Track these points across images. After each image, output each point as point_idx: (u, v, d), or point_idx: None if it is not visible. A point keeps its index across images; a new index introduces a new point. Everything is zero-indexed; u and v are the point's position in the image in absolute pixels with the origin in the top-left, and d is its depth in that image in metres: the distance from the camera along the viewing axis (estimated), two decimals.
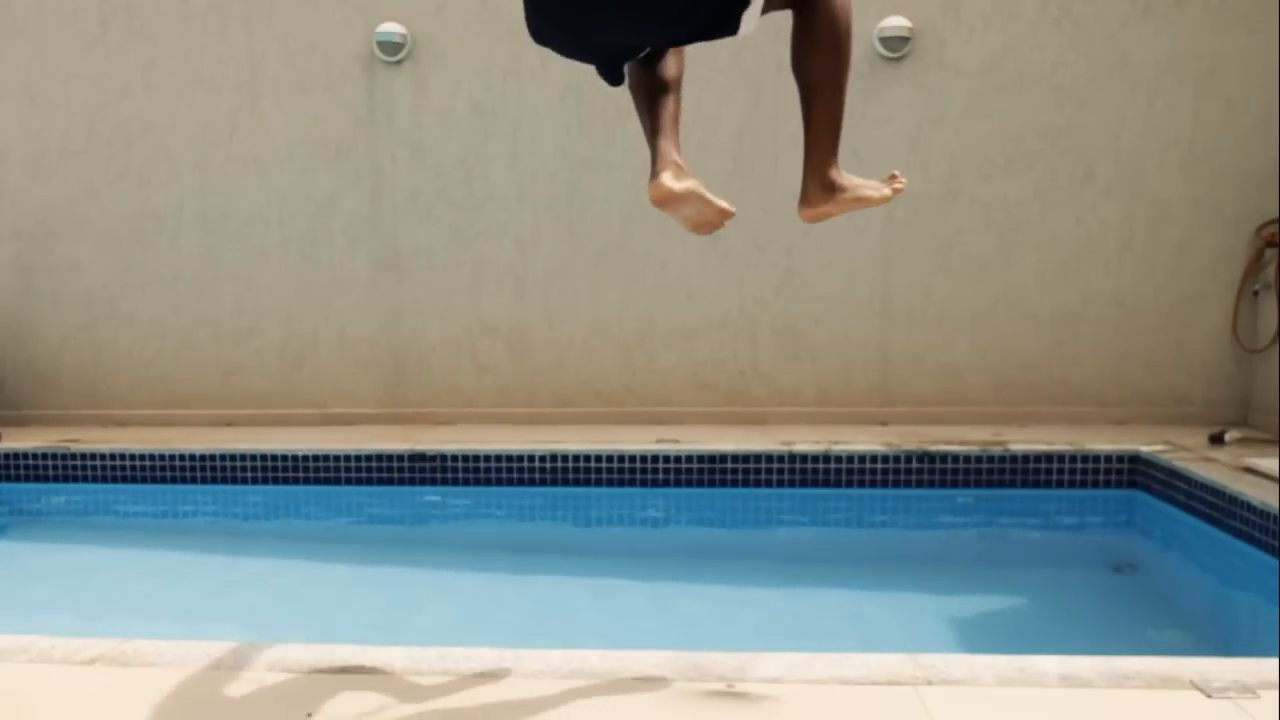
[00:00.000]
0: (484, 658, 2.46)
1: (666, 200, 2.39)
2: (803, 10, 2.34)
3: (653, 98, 2.58)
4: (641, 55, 2.52)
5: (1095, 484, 4.84)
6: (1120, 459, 4.83)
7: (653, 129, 2.53)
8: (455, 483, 5.12)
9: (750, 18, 2.21)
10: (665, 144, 2.46)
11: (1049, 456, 4.83)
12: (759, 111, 5.69)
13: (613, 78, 2.56)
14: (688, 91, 6.06)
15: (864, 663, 2.41)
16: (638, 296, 5.90)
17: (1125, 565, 4.28)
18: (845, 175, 2.40)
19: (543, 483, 5.07)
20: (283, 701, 2.26)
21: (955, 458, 4.84)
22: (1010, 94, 5.56)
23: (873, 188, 2.43)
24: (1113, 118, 5.52)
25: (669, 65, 2.55)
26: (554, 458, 5.05)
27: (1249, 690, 2.21)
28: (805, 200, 2.45)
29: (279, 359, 6.14)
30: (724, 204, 2.44)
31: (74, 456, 5.37)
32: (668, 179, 2.35)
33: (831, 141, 2.42)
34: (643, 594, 3.92)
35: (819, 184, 2.44)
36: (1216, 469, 4.39)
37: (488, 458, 5.10)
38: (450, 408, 6.05)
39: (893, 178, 2.44)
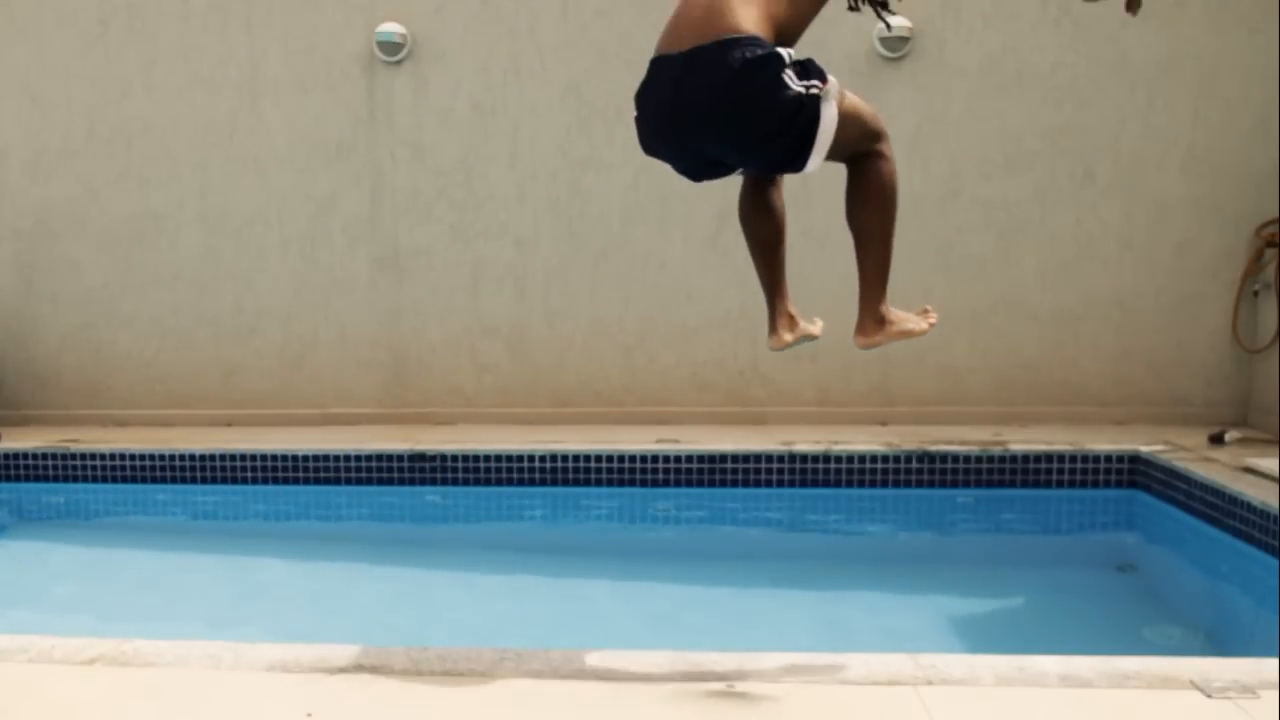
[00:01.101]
0: (484, 658, 2.46)
1: (785, 348, 2.95)
2: (854, 169, 2.76)
3: (761, 247, 3.01)
4: (750, 190, 2.97)
5: (1095, 484, 4.84)
6: (1120, 459, 4.83)
7: (765, 283, 3.01)
8: (455, 483, 5.12)
9: (814, 161, 2.57)
10: (777, 300, 2.98)
11: (1049, 456, 4.83)
12: None
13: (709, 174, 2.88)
14: None
15: (864, 663, 2.41)
16: (638, 296, 5.90)
17: (1127, 565, 4.28)
18: (893, 311, 2.81)
19: (543, 483, 5.06)
20: (283, 701, 2.26)
21: (955, 458, 4.84)
22: (1010, 94, 5.56)
23: (914, 321, 2.84)
24: (1113, 118, 5.52)
25: (775, 214, 2.98)
26: (554, 458, 5.05)
27: (1249, 690, 2.21)
28: (860, 330, 2.82)
29: (279, 359, 6.13)
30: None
31: (74, 456, 5.37)
32: (784, 334, 2.92)
33: (881, 282, 2.79)
34: (643, 594, 3.93)
35: (871, 318, 2.81)
36: (1216, 469, 4.38)
37: (488, 458, 5.10)
38: (450, 408, 6.05)
39: (926, 312, 2.86)
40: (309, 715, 2.17)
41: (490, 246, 5.95)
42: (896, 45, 5.52)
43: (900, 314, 2.81)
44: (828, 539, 4.78)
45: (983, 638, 3.35)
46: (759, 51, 2.43)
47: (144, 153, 6.06)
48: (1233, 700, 2.17)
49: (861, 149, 2.73)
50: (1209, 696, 2.20)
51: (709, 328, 5.86)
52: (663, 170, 6.26)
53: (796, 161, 2.58)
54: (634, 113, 2.69)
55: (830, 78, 2.57)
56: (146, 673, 2.43)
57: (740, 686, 2.29)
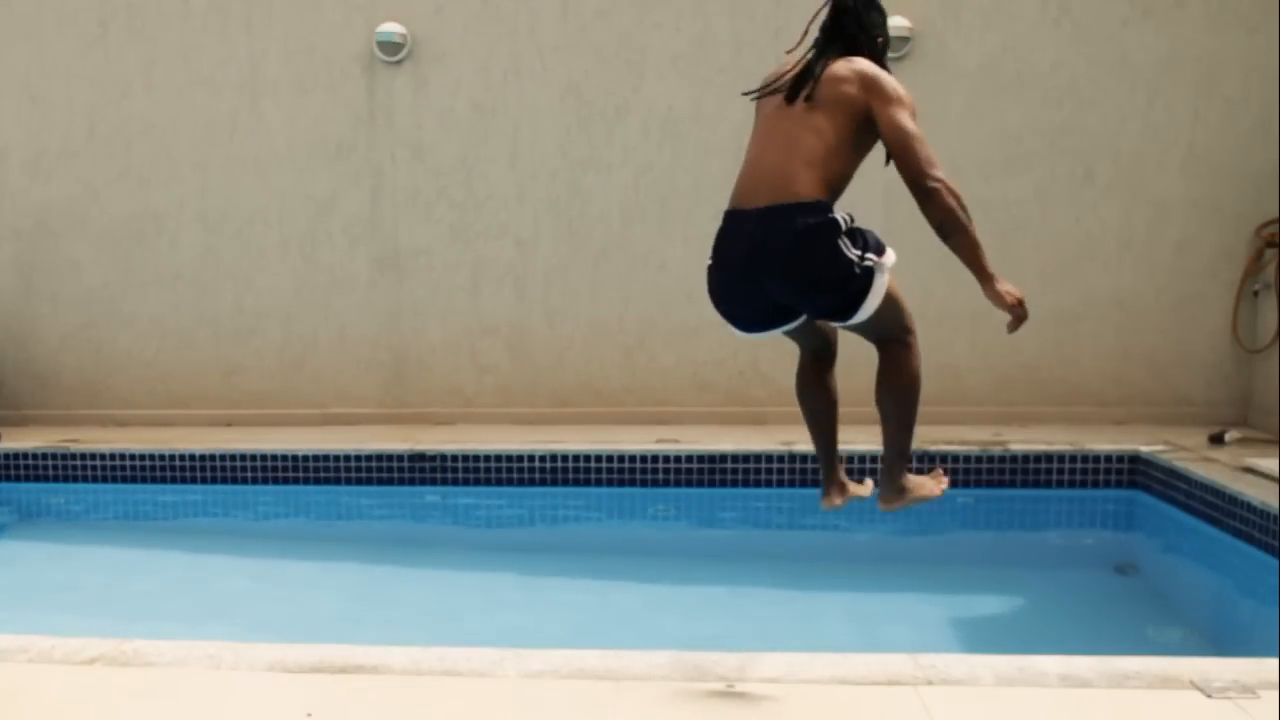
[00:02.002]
0: (484, 658, 2.46)
1: (834, 509, 3.29)
2: (883, 355, 3.14)
3: (816, 422, 3.33)
4: (807, 368, 3.32)
5: (1095, 484, 4.84)
6: (1120, 459, 4.83)
7: (819, 452, 3.31)
8: (455, 483, 5.12)
9: (861, 315, 2.90)
10: (830, 467, 3.28)
11: (1049, 456, 4.83)
12: None
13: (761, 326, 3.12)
14: (689, 91, 6.09)
15: (864, 663, 2.41)
16: (638, 296, 5.89)
17: (1127, 565, 4.28)
18: (910, 479, 3.19)
19: (543, 483, 5.06)
20: (283, 701, 2.26)
21: (955, 458, 4.84)
22: (1010, 94, 5.56)
23: (929, 486, 3.24)
24: (1113, 118, 5.52)
25: (829, 393, 3.33)
26: (554, 458, 5.05)
27: (1249, 690, 2.21)
28: (882, 498, 3.17)
29: (279, 359, 6.13)
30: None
31: (74, 456, 5.37)
32: (835, 498, 3.24)
33: (902, 459, 3.16)
34: (643, 594, 3.92)
35: (892, 487, 3.17)
36: (1216, 469, 4.38)
37: (488, 458, 5.10)
38: (450, 408, 6.05)
39: (939, 476, 3.28)
40: (309, 715, 2.17)
41: (490, 246, 5.95)
42: (896, 45, 5.51)
43: (916, 480, 3.20)
44: (828, 539, 4.78)
45: (983, 638, 3.35)
46: (819, 219, 2.78)
47: (144, 153, 6.06)
48: (1233, 700, 2.17)
49: (893, 335, 3.07)
50: (1209, 696, 2.20)
51: (709, 328, 5.82)
52: (663, 170, 6.30)
53: (847, 315, 2.92)
54: (708, 260, 3.02)
55: (889, 251, 2.93)
56: (146, 673, 2.43)
57: (740, 686, 2.29)
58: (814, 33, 3.09)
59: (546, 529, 5.03)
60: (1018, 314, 2.80)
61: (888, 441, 3.19)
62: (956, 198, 2.76)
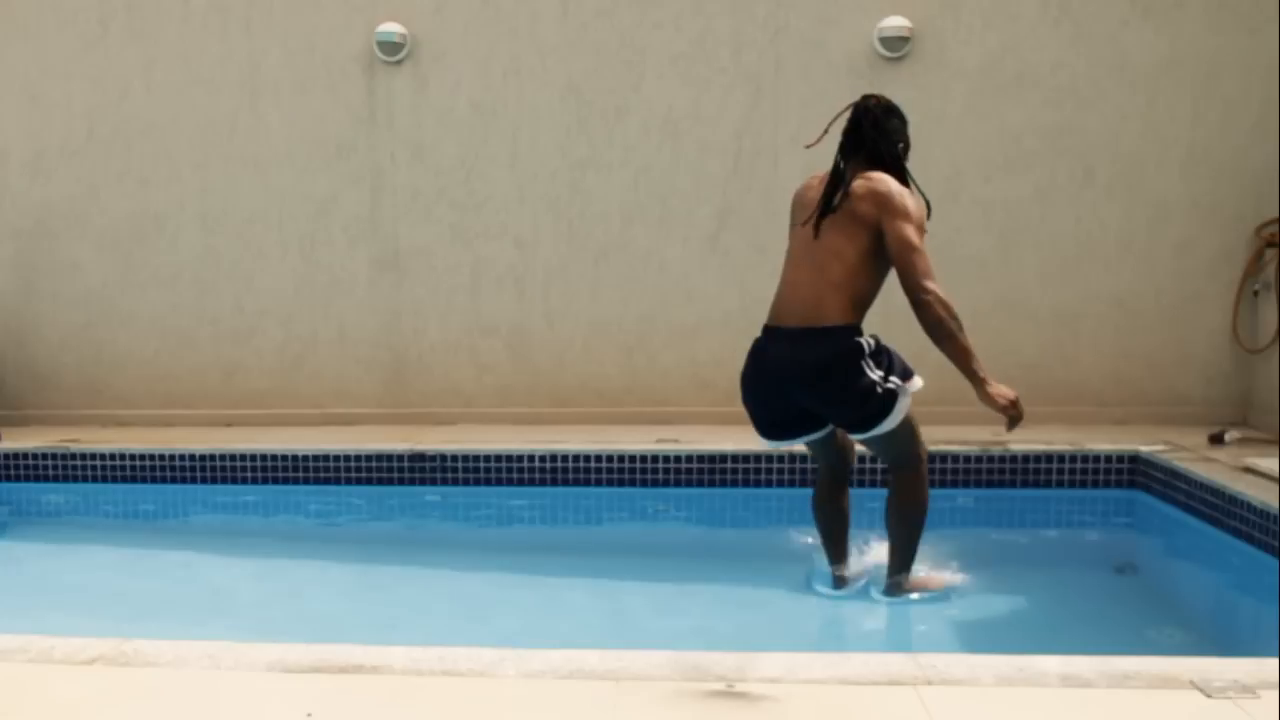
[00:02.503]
0: (484, 658, 2.46)
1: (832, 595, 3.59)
2: (894, 478, 3.42)
3: (826, 534, 3.63)
4: (825, 487, 3.61)
5: (1095, 484, 4.84)
6: (1120, 459, 4.83)
7: (826, 552, 3.67)
8: (455, 483, 5.12)
9: (879, 430, 3.21)
10: (834, 564, 3.63)
11: (1049, 456, 4.83)
12: (759, 111, 5.69)
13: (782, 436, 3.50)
14: (689, 91, 6.10)
15: (864, 662, 2.41)
16: (638, 296, 5.90)
17: (1127, 566, 4.28)
18: (912, 579, 3.47)
19: (543, 483, 5.07)
20: (283, 701, 2.26)
21: (955, 458, 4.84)
22: (1010, 94, 5.56)
23: (933, 580, 3.54)
24: (1113, 118, 5.52)
25: (842, 513, 3.61)
26: (554, 458, 5.05)
27: (1249, 690, 2.21)
28: (887, 590, 3.48)
29: (279, 359, 6.14)
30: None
31: (74, 456, 5.37)
32: (835, 587, 3.60)
33: (905, 566, 3.45)
34: (643, 594, 3.92)
35: (895, 585, 3.46)
36: (1216, 469, 4.39)
37: (488, 458, 5.10)
38: (450, 408, 6.05)
39: (941, 584, 3.53)
40: (309, 715, 2.17)
41: (490, 246, 5.95)
42: (896, 45, 5.52)
43: (920, 578, 3.50)
44: None
45: (983, 638, 3.35)
46: (845, 344, 3.12)
47: (144, 153, 6.06)
48: (1233, 700, 2.17)
49: (906, 460, 3.34)
50: (1209, 696, 2.19)
51: (709, 328, 5.86)
52: (663, 170, 6.31)
53: (864, 429, 3.22)
54: (743, 368, 3.46)
55: (916, 378, 3.26)
56: (146, 673, 2.43)
57: (740, 686, 2.29)
58: (834, 132, 3.35)
59: (546, 529, 5.02)
60: (1011, 414, 3.08)
61: (894, 555, 3.44)
62: (947, 308, 3.00)
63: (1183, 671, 2.32)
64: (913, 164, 5.27)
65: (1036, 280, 5.67)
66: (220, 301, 6.13)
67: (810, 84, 5.64)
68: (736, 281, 5.80)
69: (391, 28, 5.74)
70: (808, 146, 3.45)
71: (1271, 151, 5.37)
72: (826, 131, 3.31)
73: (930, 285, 2.98)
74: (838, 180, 3.17)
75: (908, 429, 3.25)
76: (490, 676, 2.37)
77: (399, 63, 5.85)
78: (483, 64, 5.84)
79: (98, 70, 6.03)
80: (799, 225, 3.28)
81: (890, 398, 3.14)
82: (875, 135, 3.20)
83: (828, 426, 3.39)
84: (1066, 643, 2.74)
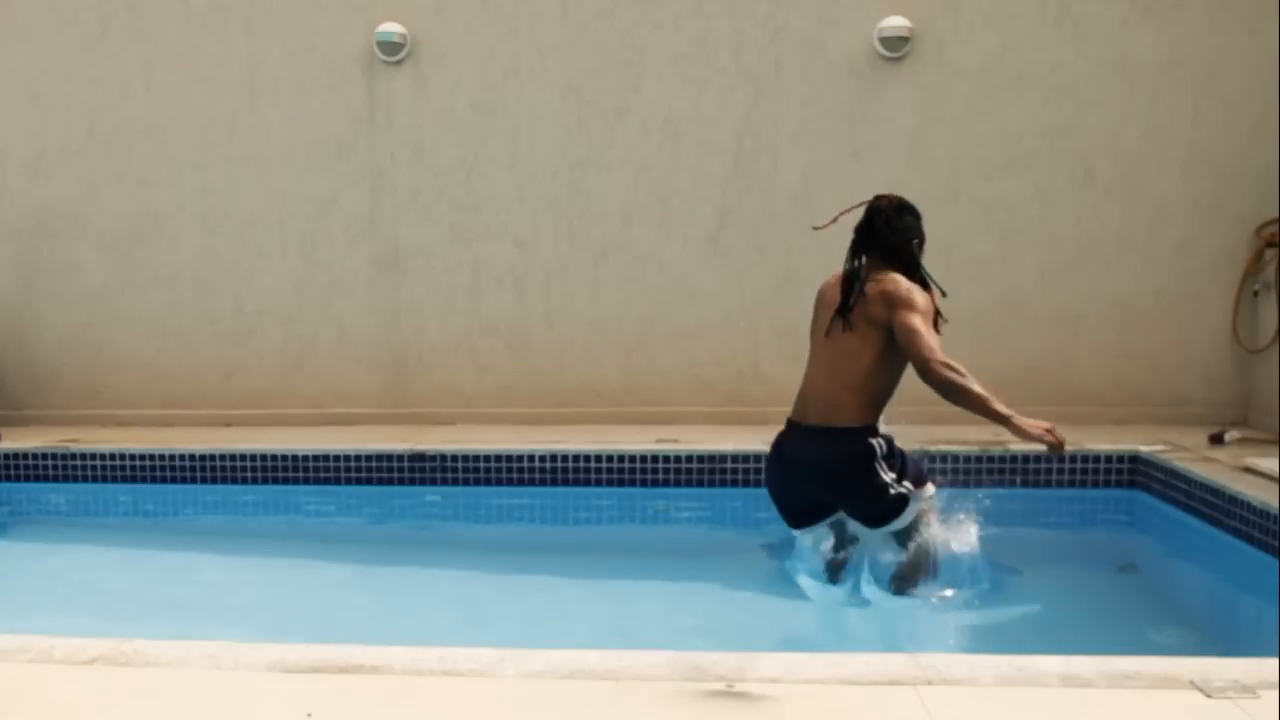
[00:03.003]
0: (484, 658, 2.46)
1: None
2: (905, 561, 3.51)
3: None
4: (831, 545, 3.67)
5: (1095, 484, 4.84)
6: (1120, 459, 4.83)
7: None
8: (455, 483, 5.12)
9: (890, 529, 3.39)
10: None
11: (1049, 456, 4.82)
12: (759, 111, 5.69)
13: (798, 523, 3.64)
14: (689, 91, 6.09)
15: (864, 662, 2.41)
16: (638, 297, 5.89)
17: (1128, 565, 4.28)
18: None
19: (543, 483, 5.07)
20: (283, 701, 2.26)
21: (955, 458, 4.84)
22: (1010, 94, 5.56)
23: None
24: (1113, 118, 5.52)
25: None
26: (554, 458, 5.05)
27: (1249, 690, 2.21)
28: (890, 585, 3.55)
29: (279, 359, 6.13)
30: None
31: (74, 456, 5.37)
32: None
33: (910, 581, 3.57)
34: (643, 594, 3.92)
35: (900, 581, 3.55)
36: (1216, 469, 4.39)
37: (488, 458, 5.10)
38: (450, 408, 6.05)
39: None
40: (309, 715, 2.17)
41: (490, 246, 5.95)
42: (896, 45, 5.52)
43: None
44: None
45: (983, 638, 3.35)
46: (857, 446, 3.31)
47: (144, 153, 6.06)
48: (1233, 700, 2.17)
49: (915, 560, 3.45)
50: (1209, 696, 2.20)
51: (709, 328, 5.86)
52: (663, 170, 6.30)
53: (878, 525, 3.40)
54: (768, 457, 3.58)
55: (929, 485, 3.46)
56: (146, 673, 2.43)
57: (740, 686, 2.29)
58: (844, 220, 3.51)
59: (546, 529, 5.02)
60: (1049, 442, 3.14)
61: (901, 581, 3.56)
62: (950, 368, 3.13)
63: (1183, 671, 2.32)
64: (913, 163, 5.29)
65: (1036, 280, 5.67)
66: (220, 302, 6.13)
67: (810, 84, 5.64)
68: (736, 281, 5.81)
69: (391, 28, 5.74)
70: (816, 229, 3.61)
71: (1272, 151, 5.37)
72: (836, 220, 3.50)
73: (931, 356, 3.12)
74: (852, 282, 3.34)
75: (920, 532, 3.43)
76: (490, 676, 2.37)
77: (399, 63, 5.85)
78: (483, 64, 5.84)
79: (98, 70, 6.03)
80: (819, 325, 3.49)
81: (901, 501, 3.33)
82: (888, 233, 3.37)
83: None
84: (1067, 643, 2.73)
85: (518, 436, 5.39)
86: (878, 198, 3.46)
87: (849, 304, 3.31)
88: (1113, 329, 5.65)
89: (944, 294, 3.45)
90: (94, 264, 6.17)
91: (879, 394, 3.37)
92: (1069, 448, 4.83)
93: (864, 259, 3.36)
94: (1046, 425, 3.13)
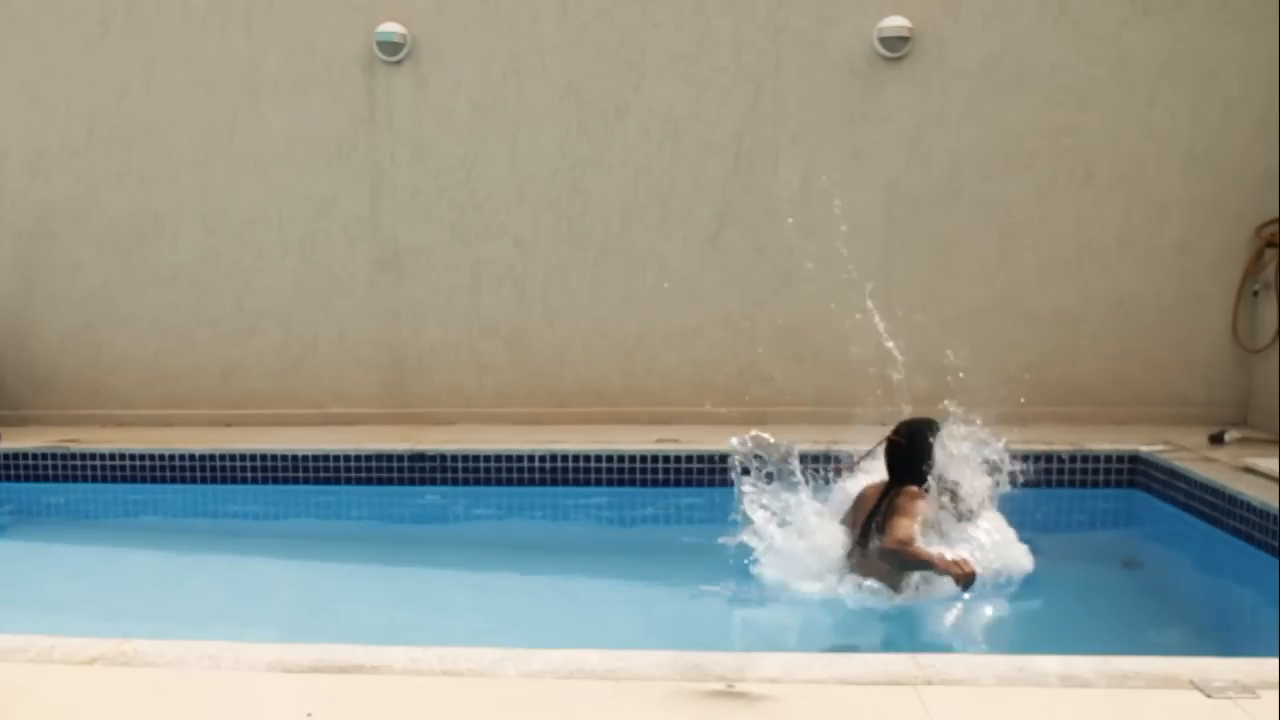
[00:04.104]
0: (484, 657, 2.45)
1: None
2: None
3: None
4: None
5: (1095, 484, 4.84)
6: (1120, 459, 4.83)
7: None
8: (455, 483, 5.12)
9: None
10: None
11: (1049, 456, 4.82)
12: (759, 111, 5.68)
13: None
14: (689, 91, 6.08)
15: (864, 663, 2.41)
16: (638, 296, 5.89)
17: (1133, 561, 4.29)
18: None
19: (543, 483, 5.07)
20: (283, 701, 2.26)
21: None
22: (1010, 94, 5.56)
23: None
24: (1113, 118, 5.52)
25: None
26: (554, 458, 5.05)
27: (1249, 690, 2.21)
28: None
29: (279, 359, 6.13)
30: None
31: (74, 456, 5.37)
32: None
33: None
34: (643, 594, 3.92)
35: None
36: (1216, 469, 4.39)
37: (488, 458, 5.10)
38: (450, 408, 6.05)
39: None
40: (309, 715, 2.17)
41: (490, 246, 5.95)
42: (896, 45, 5.52)
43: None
44: None
45: (983, 637, 3.35)
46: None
47: (144, 153, 6.06)
48: (1232, 700, 2.17)
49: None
50: (1209, 696, 2.19)
51: (709, 328, 5.86)
52: (663, 170, 6.30)
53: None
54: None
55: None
56: (146, 673, 2.43)
57: (740, 686, 2.28)
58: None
59: (547, 529, 5.02)
60: (957, 575, 3.39)
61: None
62: (899, 545, 3.46)
63: (1183, 671, 2.32)
64: (913, 163, 5.33)
65: (1036, 280, 5.67)
66: (220, 302, 6.13)
67: (810, 84, 5.64)
68: (736, 281, 5.81)
69: (391, 28, 5.74)
70: (837, 472, 4.11)
71: (1272, 151, 5.37)
72: (859, 463, 4.05)
73: (891, 544, 3.50)
74: (881, 500, 3.79)
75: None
76: (490, 676, 2.37)
77: (399, 63, 5.85)
78: (483, 64, 5.84)
79: (98, 70, 6.03)
80: (853, 522, 3.88)
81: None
82: (906, 463, 3.83)
83: None
84: (1067, 642, 2.73)
85: (517, 436, 5.39)
86: (895, 432, 3.92)
87: (878, 514, 3.76)
88: (1113, 329, 5.65)
89: (952, 497, 3.82)
90: (94, 264, 6.16)
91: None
92: (1069, 447, 4.87)
93: (891, 479, 3.86)
94: (964, 560, 3.49)
